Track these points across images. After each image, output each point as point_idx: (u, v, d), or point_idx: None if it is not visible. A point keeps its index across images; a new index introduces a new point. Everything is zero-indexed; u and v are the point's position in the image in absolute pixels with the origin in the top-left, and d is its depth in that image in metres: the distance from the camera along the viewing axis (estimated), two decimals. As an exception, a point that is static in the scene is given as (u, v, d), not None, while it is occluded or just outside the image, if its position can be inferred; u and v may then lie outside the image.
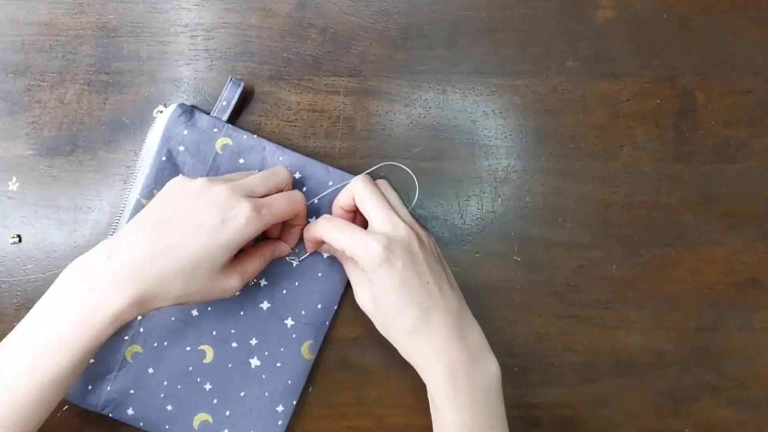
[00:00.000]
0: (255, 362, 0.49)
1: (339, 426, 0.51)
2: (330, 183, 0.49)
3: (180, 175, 0.47)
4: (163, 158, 0.48)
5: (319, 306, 0.50)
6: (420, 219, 0.52)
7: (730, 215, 0.52)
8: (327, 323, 0.50)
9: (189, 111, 0.49)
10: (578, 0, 0.52)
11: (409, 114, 0.52)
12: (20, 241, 0.50)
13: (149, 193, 0.48)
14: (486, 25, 0.52)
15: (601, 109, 0.52)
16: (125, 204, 0.49)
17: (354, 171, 0.51)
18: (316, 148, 0.51)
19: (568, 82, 0.52)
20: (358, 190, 0.46)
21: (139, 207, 0.47)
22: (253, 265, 0.46)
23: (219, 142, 0.49)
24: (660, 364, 0.52)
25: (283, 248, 0.49)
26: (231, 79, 0.49)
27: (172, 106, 0.49)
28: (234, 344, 0.49)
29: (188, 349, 0.49)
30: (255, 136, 0.49)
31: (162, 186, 0.45)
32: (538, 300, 0.52)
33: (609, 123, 0.52)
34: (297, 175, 0.49)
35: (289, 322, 0.49)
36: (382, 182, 0.49)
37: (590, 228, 0.52)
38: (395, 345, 0.44)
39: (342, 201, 0.47)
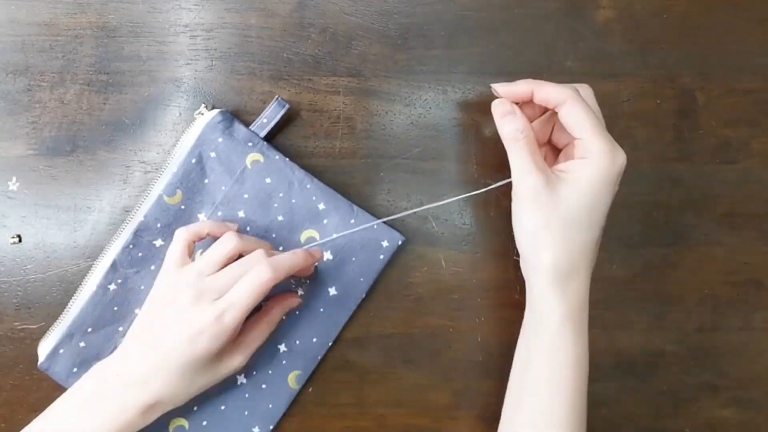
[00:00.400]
0: (241, 379, 0.49)
1: (339, 426, 0.51)
2: (352, 221, 0.49)
3: (162, 270, 0.46)
4: (193, 161, 0.48)
5: (315, 340, 0.50)
6: (420, 219, 0.52)
7: (730, 215, 0.52)
8: (319, 358, 0.50)
9: (229, 119, 0.49)
10: (578, 0, 0.52)
11: (409, 114, 0.52)
12: (20, 241, 0.50)
13: (173, 191, 0.48)
14: (486, 25, 0.52)
15: (601, 109, 0.52)
16: (145, 198, 0.49)
17: (354, 172, 0.51)
18: (316, 148, 0.51)
19: (568, 82, 0.52)
20: (579, 108, 0.41)
21: (161, 203, 0.48)
22: (259, 335, 0.47)
23: (250, 157, 0.49)
24: (660, 364, 0.52)
25: (292, 302, 0.48)
26: (277, 98, 0.49)
27: (214, 111, 0.49)
28: None
29: None
30: (288, 159, 0.49)
31: (186, 187, 0.48)
32: (538, 300, 0.51)
33: (609, 123, 0.52)
34: (321, 206, 0.49)
35: (282, 347, 0.49)
36: (587, 91, 0.45)
37: (590, 228, 0.52)
38: (535, 252, 0.43)
39: (520, 90, 0.43)
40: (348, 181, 0.51)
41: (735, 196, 0.52)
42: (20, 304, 0.50)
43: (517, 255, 0.52)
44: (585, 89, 0.45)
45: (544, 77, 0.52)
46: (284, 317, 0.49)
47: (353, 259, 0.49)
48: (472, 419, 0.52)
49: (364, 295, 0.50)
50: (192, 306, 0.43)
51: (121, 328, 0.48)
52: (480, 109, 0.52)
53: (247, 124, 0.49)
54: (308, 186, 0.49)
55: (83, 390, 0.44)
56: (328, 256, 0.50)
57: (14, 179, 0.51)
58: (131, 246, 0.48)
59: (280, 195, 0.49)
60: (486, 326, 0.52)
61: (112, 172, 0.51)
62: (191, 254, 0.46)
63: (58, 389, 0.50)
